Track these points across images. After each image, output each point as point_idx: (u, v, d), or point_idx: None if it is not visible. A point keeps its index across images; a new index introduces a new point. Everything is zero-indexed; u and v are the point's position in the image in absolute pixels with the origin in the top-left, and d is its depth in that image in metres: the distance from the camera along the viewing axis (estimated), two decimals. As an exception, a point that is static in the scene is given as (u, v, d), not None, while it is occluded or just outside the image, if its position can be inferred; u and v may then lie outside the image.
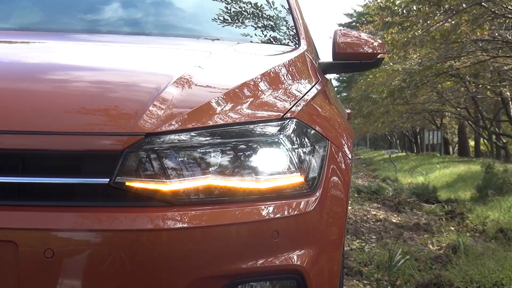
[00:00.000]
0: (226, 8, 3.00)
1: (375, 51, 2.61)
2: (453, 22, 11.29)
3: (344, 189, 1.87)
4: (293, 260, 1.59)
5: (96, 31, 2.74)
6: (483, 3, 10.18)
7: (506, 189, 9.11)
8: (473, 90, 18.46)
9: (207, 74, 1.90)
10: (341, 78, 46.83)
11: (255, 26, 2.96)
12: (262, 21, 2.99)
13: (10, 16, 2.96)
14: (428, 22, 11.57)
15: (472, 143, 31.94)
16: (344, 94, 43.76)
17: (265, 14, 3.02)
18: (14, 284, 1.41)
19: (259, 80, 1.92)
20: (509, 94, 18.26)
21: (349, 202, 2.14)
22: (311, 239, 1.65)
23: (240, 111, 1.69)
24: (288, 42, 2.82)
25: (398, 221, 7.70)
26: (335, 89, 3.63)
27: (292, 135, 1.69)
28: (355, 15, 40.54)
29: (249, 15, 3.01)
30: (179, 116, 1.58)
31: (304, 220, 1.63)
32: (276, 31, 2.94)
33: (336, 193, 1.80)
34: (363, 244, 5.79)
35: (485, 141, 27.38)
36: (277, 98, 1.86)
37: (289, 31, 2.91)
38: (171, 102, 1.62)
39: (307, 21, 3.12)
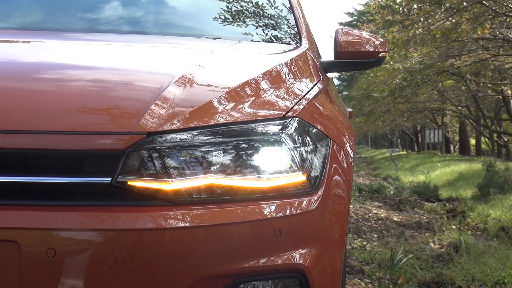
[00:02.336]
0: (227, 7, 3.00)
1: (376, 50, 2.61)
2: (454, 20, 11.29)
3: (346, 187, 1.87)
4: (295, 259, 1.58)
5: (98, 30, 2.73)
6: (483, 2, 10.18)
7: (507, 187, 9.11)
8: (474, 89, 18.45)
9: (209, 73, 1.90)
10: (342, 76, 46.84)
11: (257, 25, 2.96)
12: (264, 20, 2.99)
13: (11, 15, 2.96)
14: (429, 20, 11.58)
15: (473, 141, 31.94)
16: (345, 92, 43.76)
17: (266, 13, 3.02)
18: (16, 283, 1.41)
19: (261, 79, 1.92)
20: (510, 92, 18.24)
21: (351, 200, 2.14)
22: (313, 238, 1.65)
23: (242, 110, 1.69)
24: (290, 41, 2.82)
25: (399, 220, 7.70)
26: (336, 87, 3.61)
27: (294, 134, 1.69)
28: (356, 14, 40.55)
29: (250, 14, 3.01)
30: (181, 115, 1.58)
31: (306, 219, 1.63)
32: (278, 30, 2.94)
33: (338, 192, 1.80)
34: (364, 243, 5.79)
35: (486, 139, 27.37)
36: (279, 97, 1.86)
37: (290, 30, 2.91)
38: (172, 101, 1.62)
39: (308, 19, 3.12)
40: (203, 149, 1.57)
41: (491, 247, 5.20)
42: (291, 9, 3.03)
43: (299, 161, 1.66)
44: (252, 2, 3.07)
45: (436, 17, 11.42)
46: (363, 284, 4.18)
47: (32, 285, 1.42)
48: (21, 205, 1.46)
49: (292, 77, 2.14)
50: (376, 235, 6.36)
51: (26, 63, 1.94)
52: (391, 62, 15.93)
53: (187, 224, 1.48)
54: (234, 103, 1.70)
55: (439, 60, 13.36)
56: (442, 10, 11.01)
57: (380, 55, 2.62)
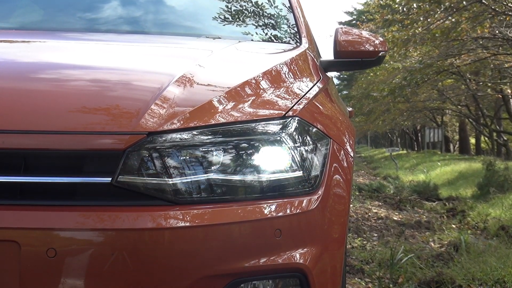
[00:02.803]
0: (227, 6, 3.00)
1: (376, 49, 2.61)
2: (453, 19, 11.29)
3: (346, 187, 1.87)
4: (295, 258, 1.58)
5: (97, 30, 2.73)
6: (483, 1, 10.17)
7: (507, 186, 9.12)
8: (474, 88, 18.45)
9: (209, 73, 1.90)
10: (341, 76, 46.86)
11: (256, 24, 2.96)
12: (263, 20, 2.99)
13: (10, 15, 2.96)
14: (429, 20, 11.58)
15: (473, 140, 31.95)
16: (345, 92, 43.77)
17: (266, 12, 3.02)
18: (16, 284, 1.41)
19: (261, 78, 1.92)
20: (509, 91, 18.25)
21: (351, 200, 2.14)
22: (314, 237, 1.65)
23: (242, 109, 1.69)
24: (289, 41, 2.82)
25: (399, 219, 7.70)
26: (336, 87, 3.61)
27: (294, 133, 1.69)
28: (355, 13, 40.59)
29: (250, 14, 3.01)
30: (181, 115, 1.58)
31: (307, 218, 1.63)
32: (277, 29, 2.94)
33: (338, 191, 1.80)
34: (364, 242, 5.79)
35: (486, 138, 27.37)
36: (279, 96, 1.86)
37: (290, 29, 2.91)
38: (173, 101, 1.62)
39: (307, 19, 3.12)
40: (203, 149, 1.57)
41: (491, 246, 5.20)
42: (290, 8, 3.03)
43: (299, 161, 1.66)
44: (252, 2, 3.07)
45: (436, 16, 11.43)
46: (363, 284, 4.18)
47: (32, 285, 1.41)
48: (21, 205, 1.45)
49: (292, 76, 2.14)
50: (376, 234, 6.37)
51: (26, 63, 1.94)
52: (391, 62, 15.94)
53: (187, 224, 1.48)
54: (234, 103, 1.70)
55: (438, 59, 13.36)
56: (442, 9, 11.01)
57: (380, 54, 2.62)
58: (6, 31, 2.62)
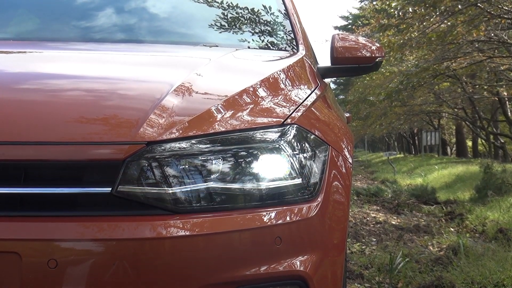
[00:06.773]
0: (224, 14, 3.01)
1: (373, 55, 2.61)
2: (449, 23, 11.33)
3: (345, 193, 1.87)
4: (296, 266, 1.59)
5: (95, 40, 2.73)
6: (478, 4, 10.21)
7: (505, 189, 9.11)
8: (470, 91, 18.49)
9: (207, 81, 1.90)
10: (338, 80, 46.93)
11: (253, 31, 2.96)
12: (260, 27, 2.99)
13: (6, 25, 2.96)
14: (424, 23, 11.62)
15: (470, 143, 31.98)
16: (342, 96, 43.79)
17: (262, 19, 3.03)
18: (17, 295, 1.41)
19: (259, 86, 1.93)
20: (506, 94, 18.29)
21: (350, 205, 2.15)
22: (314, 244, 1.65)
23: (241, 117, 1.69)
24: (286, 47, 2.82)
25: (397, 223, 7.70)
26: (333, 92, 3.62)
27: (293, 140, 1.69)
28: (351, 18, 40.70)
29: (246, 21, 3.01)
30: (180, 124, 1.58)
31: (307, 225, 1.64)
32: (274, 36, 2.94)
33: (337, 198, 1.80)
34: (363, 247, 5.79)
35: (483, 141, 27.40)
36: (277, 104, 1.86)
37: (287, 36, 2.92)
38: (171, 110, 1.62)
39: (303, 25, 3.13)
40: (203, 158, 1.57)
41: (490, 249, 5.20)
42: (287, 15, 3.03)
43: (298, 168, 1.67)
44: (248, 9, 3.07)
45: (432, 20, 11.47)
46: (363, 289, 4.18)
47: (33, 296, 1.41)
48: (21, 216, 1.46)
49: (290, 84, 2.14)
50: (374, 239, 6.36)
51: (23, 74, 1.93)
52: (387, 66, 15.97)
53: (187, 233, 1.48)
54: (232, 111, 1.70)
55: (435, 63, 13.38)
56: (437, 13, 11.04)
57: (377, 60, 2.62)
58: (3, 41, 2.62)
